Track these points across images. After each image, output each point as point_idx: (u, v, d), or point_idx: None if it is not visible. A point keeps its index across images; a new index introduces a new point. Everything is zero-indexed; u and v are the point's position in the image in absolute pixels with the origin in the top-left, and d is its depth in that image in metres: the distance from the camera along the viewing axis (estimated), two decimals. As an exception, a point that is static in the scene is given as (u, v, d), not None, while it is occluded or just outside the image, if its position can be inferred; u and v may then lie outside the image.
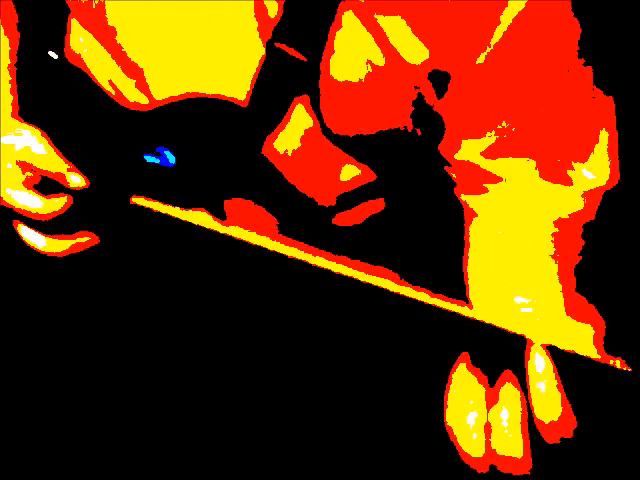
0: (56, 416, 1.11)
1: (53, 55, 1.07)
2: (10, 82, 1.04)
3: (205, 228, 0.91)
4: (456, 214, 1.06)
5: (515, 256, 0.99)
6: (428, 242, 1.20)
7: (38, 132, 0.99)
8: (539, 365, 0.72)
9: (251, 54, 0.96)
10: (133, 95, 1.04)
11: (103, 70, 1.07)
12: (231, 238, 0.89)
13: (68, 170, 0.97)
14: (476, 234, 1.04)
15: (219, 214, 0.98)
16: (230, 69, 0.98)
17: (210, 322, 1.08)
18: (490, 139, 0.99)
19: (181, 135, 1.00)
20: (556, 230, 0.99)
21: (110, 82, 1.06)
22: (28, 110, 1.03)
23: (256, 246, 0.88)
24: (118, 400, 1.11)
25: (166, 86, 1.00)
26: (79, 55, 1.10)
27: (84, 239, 1.00)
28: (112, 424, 1.12)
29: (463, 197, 1.06)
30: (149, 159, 1.01)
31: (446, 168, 1.05)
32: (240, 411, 1.13)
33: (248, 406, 1.13)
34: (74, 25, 1.09)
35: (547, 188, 1.00)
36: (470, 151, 1.01)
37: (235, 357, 1.11)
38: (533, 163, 0.99)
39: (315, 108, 0.97)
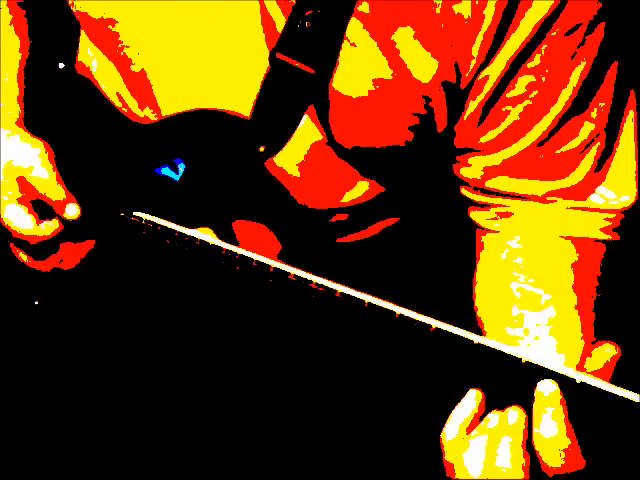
0: (53, 427, 1.10)
1: (60, 65, 1.06)
2: (19, 90, 1.03)
3: (208, 244, 0.90)
4: (466, 233, 1.03)
5: (529, 278, 0.96)
6: (437, 262, 1.17)
7: (45, 150, 0.96)
8: (547, 398, 0.68)
9: (258, 69, 0.94)
10: (140, 110, 1.03)
11: (111, 84, 1.06)
12: (235, 255, 0.88)
13: (64, 200, 0.95)
14: (487, 256, 1.00)
15: (223, 231, 0.97)
16: (238, 84, 0.96)
17: (212, 339, 1.06)
18: (502, 155, 0.95)
19: (186, 150, 0.98)
20: (573, 250, 0.96)
21: (118, 95, 1.05)
22: (35, 121, 1.02)
23: (260, 263, 0.86)
24: (114, 415, 1.10)
25: (174, 101, 0.99)
26: (88, 68, 1.09)
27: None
28: (109, 432, 1.11)
29: (473, 215, 1.02)
30: (159, 171, 1.00)
31: (455, 185, 1.02)
32: (241, 430, 1.11)
33: (248, 430, 1.11)
34: (83, 39, 1.08)
35: (564, 207, 0.96)
36: (481, 168, 0.97)
37: (238, 374, 1.09)
38: (549, 182, 0.96)
39: (323, 122, 0.95)
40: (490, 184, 0.97)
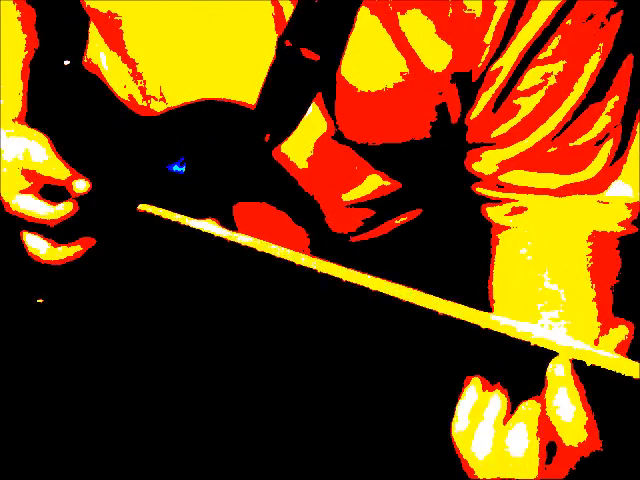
0: (54, 425, 1.09)
1: (66, 62, 1.06)
2: (23, 87, 1.03)
3: (213, 236, 0.88)
4: (480, 231, 1.01)
5: (546, 273, 0.93)
6: (452, 260, 1.14)
7: (43, 138, 0.96)
8: (561, 380, 0.65)
9: (268, 58, 0.92)
10: (147, 103, 1.02)
11: (119, 78, 1.05)
12: (240, 246, 0.86)
13: (71, 177, 0.94)
14: (503, 252, 0.98)
15: (228, 222, 0.95)
16: (247, 74, 0.94)
17: (217, 331, 1.04)
18: (516, 149, 0.93)
19: (192, 142, 0.97)
20: (591, 243, 0.93)
21: (125, 89, 1.04)
22: (41, 115, 1.02)
23: (265, 254, 0.83)
24: (116, 413, 1.09)
25: (181, 92, 0.98)
26: (96, 65, 1.08)
27: (85, 246, 0.97)
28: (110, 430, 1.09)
29: (487, 212, 1.00)
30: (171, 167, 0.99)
31: (469, 181, 1.00)
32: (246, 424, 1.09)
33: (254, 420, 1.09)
34: (92, 34, 1.08)
35: (580, 201, 0.94)
36: (494, 162, 0.95)
37: (243, 366, 1.08)
38: (564, 175, 0.93)
39: (330, 112, 0.93)
40: (504, 178, 0.95)
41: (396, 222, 1.10)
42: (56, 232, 0.96)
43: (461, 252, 1.16)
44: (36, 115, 1.01)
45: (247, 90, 0.94)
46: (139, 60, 1.00)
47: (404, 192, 1.05)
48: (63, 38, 1.09)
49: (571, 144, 0.92)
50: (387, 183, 1.03)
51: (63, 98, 1.06)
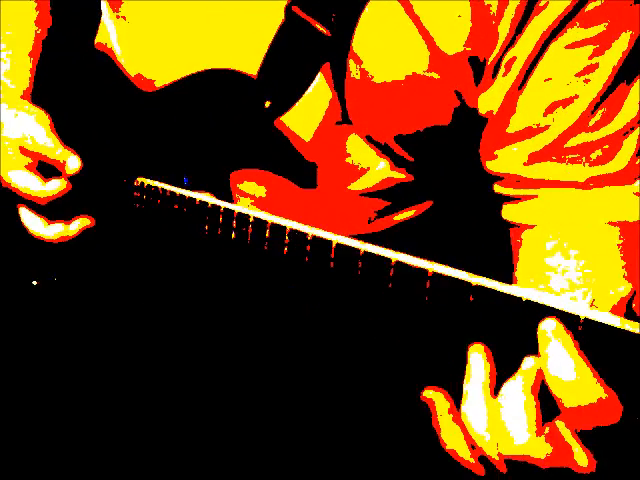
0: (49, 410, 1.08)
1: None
2: (32, 65, 1.04)
3: (210, 209, 0.85)
4: (498, 225, 0.96)
5: (573, 269, 0.86)
6: (467, 253, 1.09)
7: (44, 116, 0.98)
8: (552, 334, 0.59)
9: (273, 26, 0.89)
10: (151, 75, 1.01)
11: (128, 55, 1.04)
12: (236, 216, 0.83)
13: (65, 155, 0.96)
14: (527, 252, 0.91)
15: (225, 192, 0.92)
16: (252, 41, 0.91)
17: (213, 305, 1.02)
18: (540, 141, 0.88)
19: (192, 113, 0.95)
20: (623, 236, 0.87)
21: (134, 66, 1.03)
22: (46, 94, 1.03)
23: (260, 219, 0.80)
24: (113, 393, 1.07)
25: (186, 63, 0.96)
26: (105, 43, 1.08)
27: (84, 223, 0.99)
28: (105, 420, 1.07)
29: (507, 212, 0.94)
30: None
31: (487, 182, 0.95)
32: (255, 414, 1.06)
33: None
34: (104, 12, 1.07)
35: (609, 193, 0.88)
36: (516, 157, 0.90)
37: (253, 347, 1.06)
38: (591, 167, 0.88)
39: (338, 87, 0.90)
40: (527, 173, 0.90)
41: (402, 216, 1.07)
42: (50, 209, 0.97)
43: (477, 251, 1.11)
44: (41, 93, 1.03)
45: (251, 59, 0.91)
46: (146, 33, 0.99)
47: (413, 184, 1.01)
48: (75, 18, 1.09)
49: (596, 134, 0.87)
50: (395, 174, 0.99)
51: (70, 78, 1.07)
